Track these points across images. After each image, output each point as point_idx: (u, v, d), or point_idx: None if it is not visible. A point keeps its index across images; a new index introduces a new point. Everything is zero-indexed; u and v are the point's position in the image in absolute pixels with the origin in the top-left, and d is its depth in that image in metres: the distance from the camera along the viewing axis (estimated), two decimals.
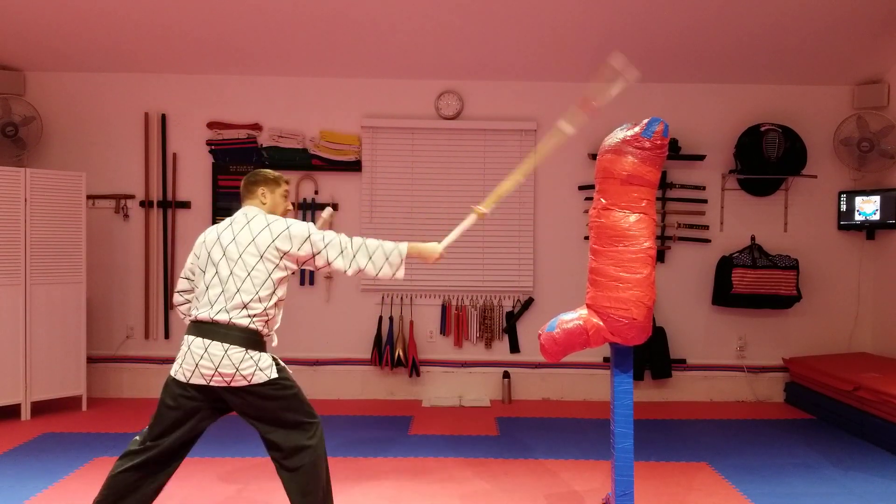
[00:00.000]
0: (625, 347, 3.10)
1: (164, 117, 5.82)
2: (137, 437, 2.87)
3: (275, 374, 2.81)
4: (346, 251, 2.90)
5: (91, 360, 5.57)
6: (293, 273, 2.94)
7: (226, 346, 2.74)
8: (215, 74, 5.82)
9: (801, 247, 5.79)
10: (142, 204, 5.82)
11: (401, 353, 5.73)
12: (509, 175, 3.48)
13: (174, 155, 5.83)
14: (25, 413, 5.07)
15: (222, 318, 2.76)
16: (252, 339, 2.78)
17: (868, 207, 5.62)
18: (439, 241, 3.26)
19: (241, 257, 2.81)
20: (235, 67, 5.75)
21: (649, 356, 5.67)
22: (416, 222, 5.78)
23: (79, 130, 5.79)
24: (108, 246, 5.81)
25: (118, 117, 5.81)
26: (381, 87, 5.85)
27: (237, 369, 2.74)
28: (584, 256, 3.32)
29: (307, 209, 5.79)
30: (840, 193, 5.80)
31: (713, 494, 3.77)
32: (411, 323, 5.80)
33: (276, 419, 2.83)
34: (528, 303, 5.84)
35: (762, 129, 5.61)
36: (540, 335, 3.23)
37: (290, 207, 3.17)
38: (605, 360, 5.69)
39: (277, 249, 2.82)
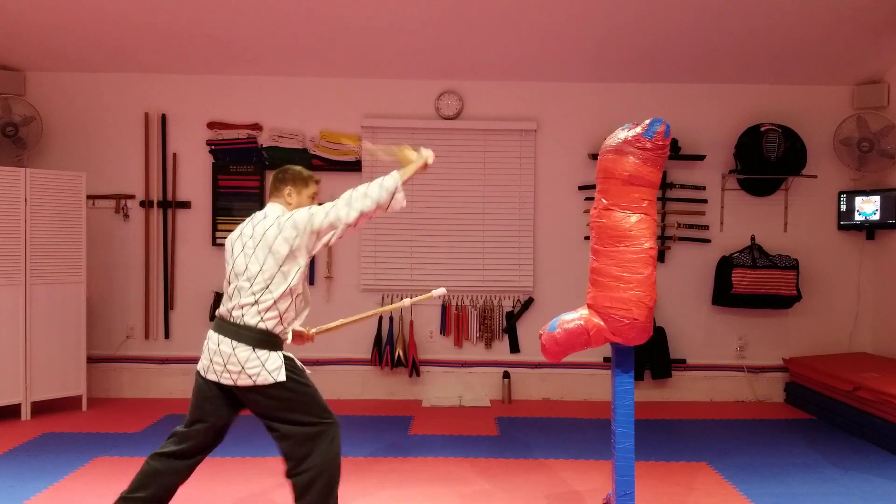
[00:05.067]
0: (626, 347, 3.10)
1: (164, 117, 5.82)
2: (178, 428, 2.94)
3: (282, 377, 2.76)
4: (338, 204, 2.80)
5: (91, 360, 5.57)
6: (310, 257, 2.87)
7: (234, 343, 2.75)
8: (215, 74, 5.82)
9: (801, 247, 5.79)
10: (142, 204, 5.81)
11: (401, 353, 5.73)
12: None
13: (174, 155, 5.83)
14: (25, 413, 5.07)
15: (236, 314, 2.78)
16: (261, 339, 2.76)
17: (868, 207, 5.62)
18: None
19: (254, 252, 2.80)
20: (235, 67, 5.75)
21: (649, 356, 5.67)
22: (417, 222, 5.78)
23: (79, 130, 5.79)
24: (108, 246, 5.81)
25: (118, 117, 5.80)
26: (381, 87, 5.85)
27: (243, 368, 2.74)
28: (584, 256, 3.32)
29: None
30: (840, 193, 5.80)
31: (713, 494, 3.77)
32: (411, 323, 5.80)
33: (283, 418, 2.80)
34: (528, 303, 5.84)
35: (762, 129, 5.61)
36: (541, 335, 3.23)
37: None
38: (606, 359, 5.70)
39: (285, 240, 2.77)
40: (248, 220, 2.96)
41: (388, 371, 5.79)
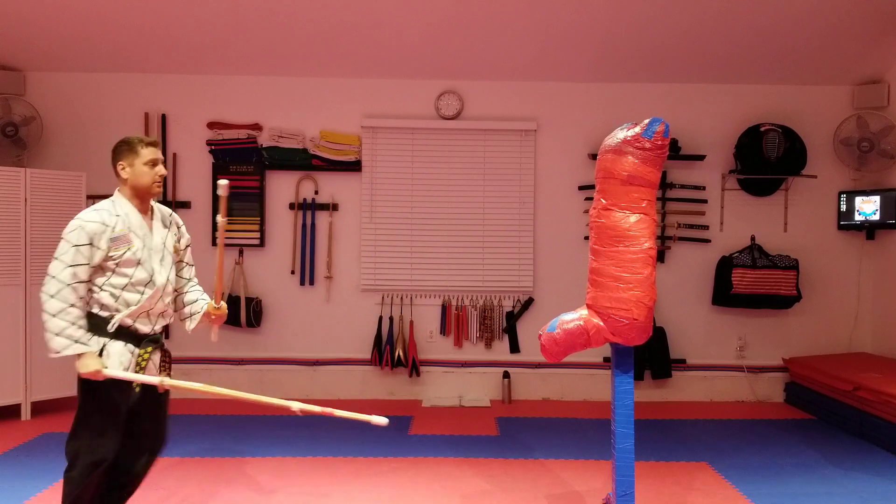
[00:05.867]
0: (625, 347, 3.10)
1: (164, 117, 5.82)
2: None
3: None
4: (51, 282, 2.67)
5: None
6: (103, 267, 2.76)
7: None
8: (215, 74, 5.82)
9: (801, 247, 5.79)
10: None
11: (401, 353, 5.73)
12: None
13: (174, 155, 5.83)
14: (25, 413, 5.07)
15: None
16: (88, 321, 2.76)
17: (868, 207, 5.62)
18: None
19: None
20: (235, 67, 5.75)
21: (649, 356, 5.67)
22: (416, 222, 5.78)
23: (79, 130, 5.79)
24: None
25: (118, 117, 5.80)
26: (381, 87, 5.85)
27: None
28: (584, 256, 3.32)
29: (307, 209, 5.80)
30: (840, 193, 5.80)
31: (713, 494, 3.77)
32: (411, 323, 5.80)
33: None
34: (528, 303, 5.84)
35: (762, 129, 5.61)
36: (540, 336, 3.23)
37: (163, 173, 2.93)
38: (606, 359, 5.69)
39: None
40: None
41: (388, 371, 5.79)
